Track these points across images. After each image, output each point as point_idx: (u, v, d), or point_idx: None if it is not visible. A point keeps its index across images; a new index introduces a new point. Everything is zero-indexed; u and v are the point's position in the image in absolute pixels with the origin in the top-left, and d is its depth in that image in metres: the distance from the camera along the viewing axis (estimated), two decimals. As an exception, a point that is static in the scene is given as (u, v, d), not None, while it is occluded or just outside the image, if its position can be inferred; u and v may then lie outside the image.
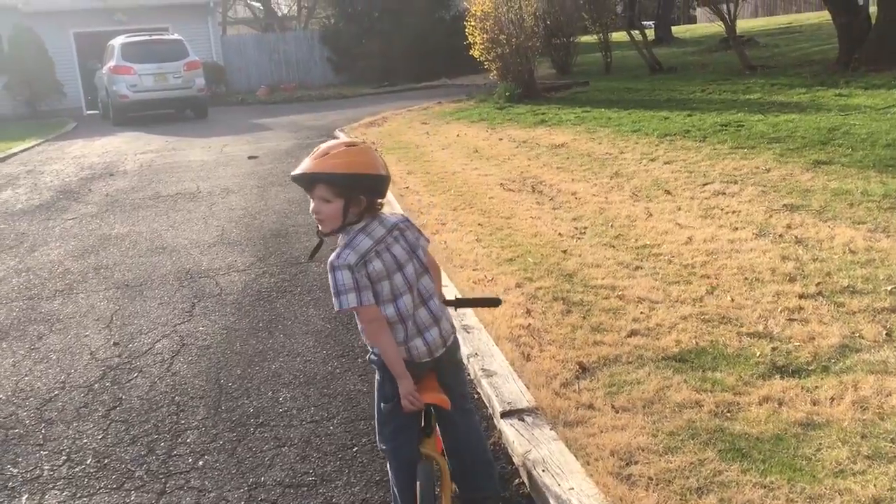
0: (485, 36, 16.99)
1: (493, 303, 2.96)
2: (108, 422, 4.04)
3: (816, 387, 3.54)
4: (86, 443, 3.84)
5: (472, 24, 17.23)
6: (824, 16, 21.61)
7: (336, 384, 4.26)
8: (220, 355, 4.75)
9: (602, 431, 3.27)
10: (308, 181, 2.53)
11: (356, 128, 15.03)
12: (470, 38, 17.55)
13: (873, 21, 15.40)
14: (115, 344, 5.04)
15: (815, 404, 3.37)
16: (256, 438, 3.76)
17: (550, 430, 3.31)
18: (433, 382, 2.71)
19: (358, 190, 2.53)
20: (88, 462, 3.66)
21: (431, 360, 2.68)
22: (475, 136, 12.67)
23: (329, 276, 2.53)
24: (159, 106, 20.50)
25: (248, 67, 29.81)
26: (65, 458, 3.72)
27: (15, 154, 15.62)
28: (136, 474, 3.53)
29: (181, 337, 5.08)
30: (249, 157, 12.58)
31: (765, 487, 2.77)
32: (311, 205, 2.58)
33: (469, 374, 4.05)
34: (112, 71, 19.78)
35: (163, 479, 3.47)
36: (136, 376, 4.55)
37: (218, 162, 12.48)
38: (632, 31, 20.75)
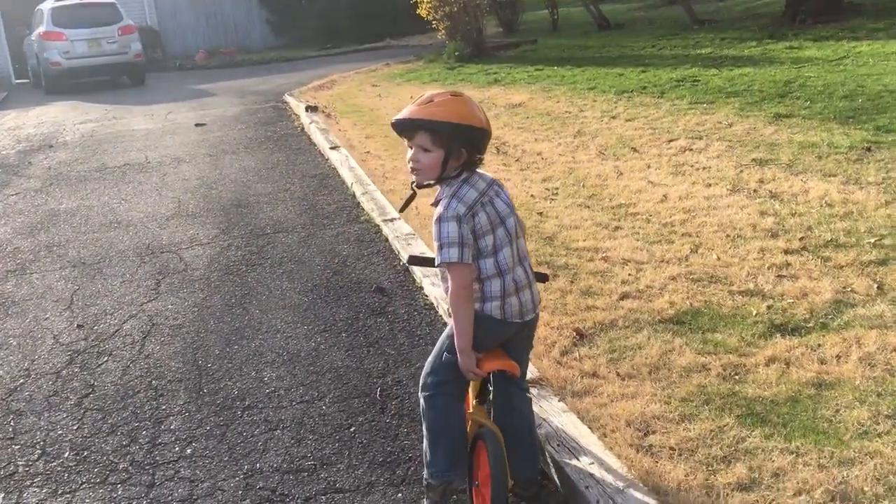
0: (432, -6, 16.66)
1: (542, 278, 2.88)
2: (81, 411, 3.81)
3: (819, 345, 3.50)
4: (61, 434, 3.61)
5: (419, -18, 16.88)
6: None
7: (322, 361, 4.08)
8: (195, 335, 4.52)
9: (612, 401, 3.18)
10: (410, 128, 2.50)
11: (305, 91, 14.62)
12: (416, -2, 17.21)
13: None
14: (78, 326, 4.77)
15: (822, 363, 3.33)
16: (245, 422, 3.57)
17: (559, 401, 3.20)
18: (501, 350, 2.64)
19: (459, 141, 2.47)
20: (66, 455, 3.44)
21: (521, 323, 2.61)
22: (429, 98, 12.42)
23: (434, 229, 2.48)
24: (94, 73, 19.67)
25: (184, 31, 28.75)
26: (39, 451, 3.49)
27: (-57, 127, 14.82)
28: (121, 466, 3.33)
29: (150, 316, 4.83)
30: (197, 125, 12.12)
31: (792, 453, 2.71)
32: (409, 153, 2.55)
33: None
34: (42, 37, 18.87)
35: (150, 471, 3.28)
36: (107, 360, 4.31)
37: (164, 130, 12.01)
38: (578, -13, 20.60)
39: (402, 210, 2.80)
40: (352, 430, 3.44)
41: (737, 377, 3.29)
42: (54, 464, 3.39)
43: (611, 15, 20.22)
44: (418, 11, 17.50)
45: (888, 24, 13.13)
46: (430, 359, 2.75)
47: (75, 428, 3.66)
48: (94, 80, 20.11)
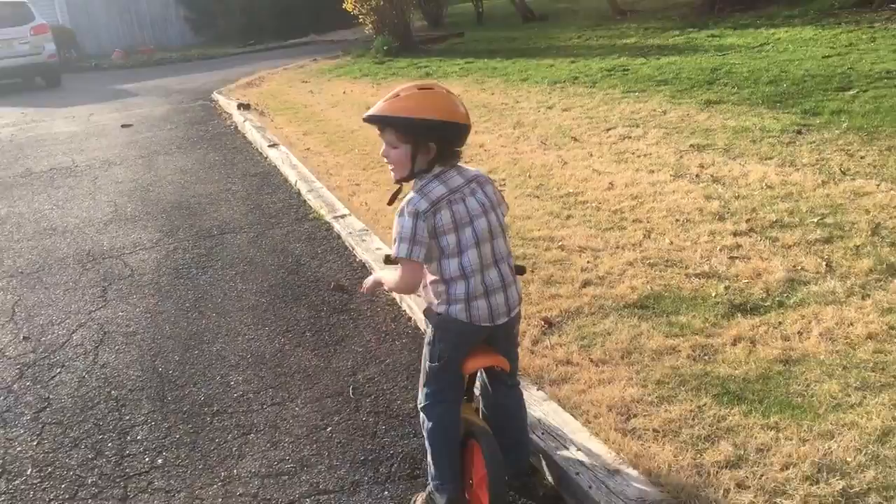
0: (358, -12, 16.53)
1: (519, 271, 2.83)
2: (39, 425, 3.66)
3: (780, 322, 3.61)
4: (20, 451, 3.47)
5: (345, -24, 16.73)
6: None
7: (289, 362, 4.02)
8: (151, 341, 4.40)
9: (590, 387, 3.22)
10: (376, 123, 2.46)
11: (234, 89, 14.32)
12: (343, -9, 17.05)
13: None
14: (24, 338, 4.58)
15: (786, 340, 3.44)
16: (216, 428, 3.49)
17: (538, 390, 3.23)
18: (487, 346, 2.62)
19: (427, 136, 2.41)
20: (29, 472, 3.30)
21: (491, 327, 2.53)
22: (363, 93, 12.33)
23: (395, 220, 2.46)
24: (5, 75, 18.84)
25: (99, 30, 27.85)
26: (0, 469, 3.34)
27: None
28: (89, 480, 3.22)
29: (100, 325, 4.67)
30: (123, 126, 11.76)
31: (772, 429, 2.79)
32: (382, 148, 2.51)
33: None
34: (-51, 39, 18.03)
35: (121, 483, 3.17)
36: (60, 372, 4.15)
37: (88, 133, 11.61)
38: (502, -20, 20.74)
39: (389, 203, 2.76)
40: (328, 430, 3.40)
41: (706, 357, 3.38)
42: (17, 482, 3.25)
43: (534, 6, 20.43)
44: (344, 6, 17.35)
45: (802, 11, 13.62)
46: (420, 376, 2.72)
47: (35, 444, 3.52)
48: (6, 83, 19.29)
